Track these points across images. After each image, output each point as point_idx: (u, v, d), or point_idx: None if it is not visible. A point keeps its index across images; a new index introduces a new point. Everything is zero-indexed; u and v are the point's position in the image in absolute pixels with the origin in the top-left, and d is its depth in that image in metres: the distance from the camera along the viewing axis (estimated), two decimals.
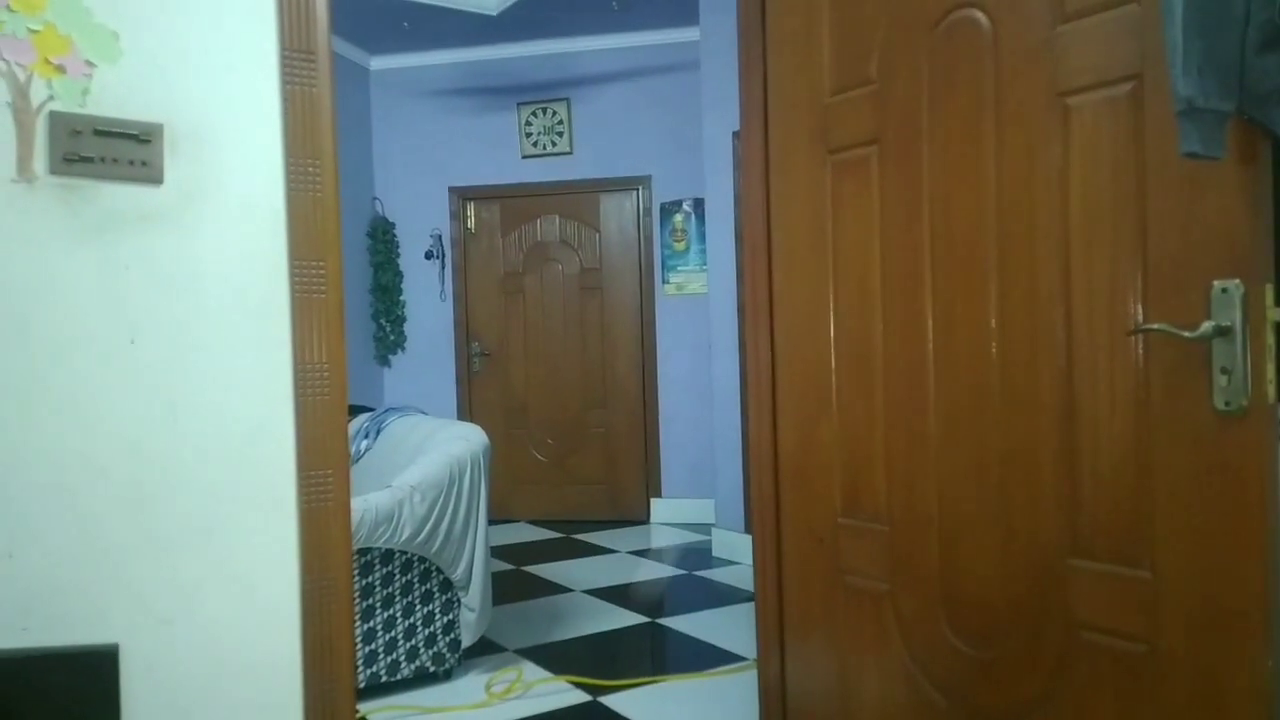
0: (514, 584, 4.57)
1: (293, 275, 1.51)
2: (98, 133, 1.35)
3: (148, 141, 1.38)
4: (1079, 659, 1.58)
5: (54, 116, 1.33)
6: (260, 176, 1.48)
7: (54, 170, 1.33)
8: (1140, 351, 1.49)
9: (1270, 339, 1.34)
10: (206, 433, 1.46)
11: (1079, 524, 1.58)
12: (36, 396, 1.36)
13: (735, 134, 4.69)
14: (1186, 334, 1.37)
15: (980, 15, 1.71)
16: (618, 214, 6.23)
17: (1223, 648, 1.39)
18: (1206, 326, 1.36)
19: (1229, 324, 1.34)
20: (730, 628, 3.75)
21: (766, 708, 2.27)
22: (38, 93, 1.32)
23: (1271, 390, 1.34)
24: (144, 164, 1.38)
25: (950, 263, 1.79)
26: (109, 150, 1.35)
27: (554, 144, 6.23)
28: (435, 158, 6.37)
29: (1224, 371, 1.35)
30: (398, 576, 3.06)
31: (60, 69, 1.33)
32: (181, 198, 1.43)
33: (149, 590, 1.43)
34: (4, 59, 1.30)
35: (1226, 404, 1.36)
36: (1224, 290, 1.35)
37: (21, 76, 1.31)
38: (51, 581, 1.38)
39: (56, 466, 1.37)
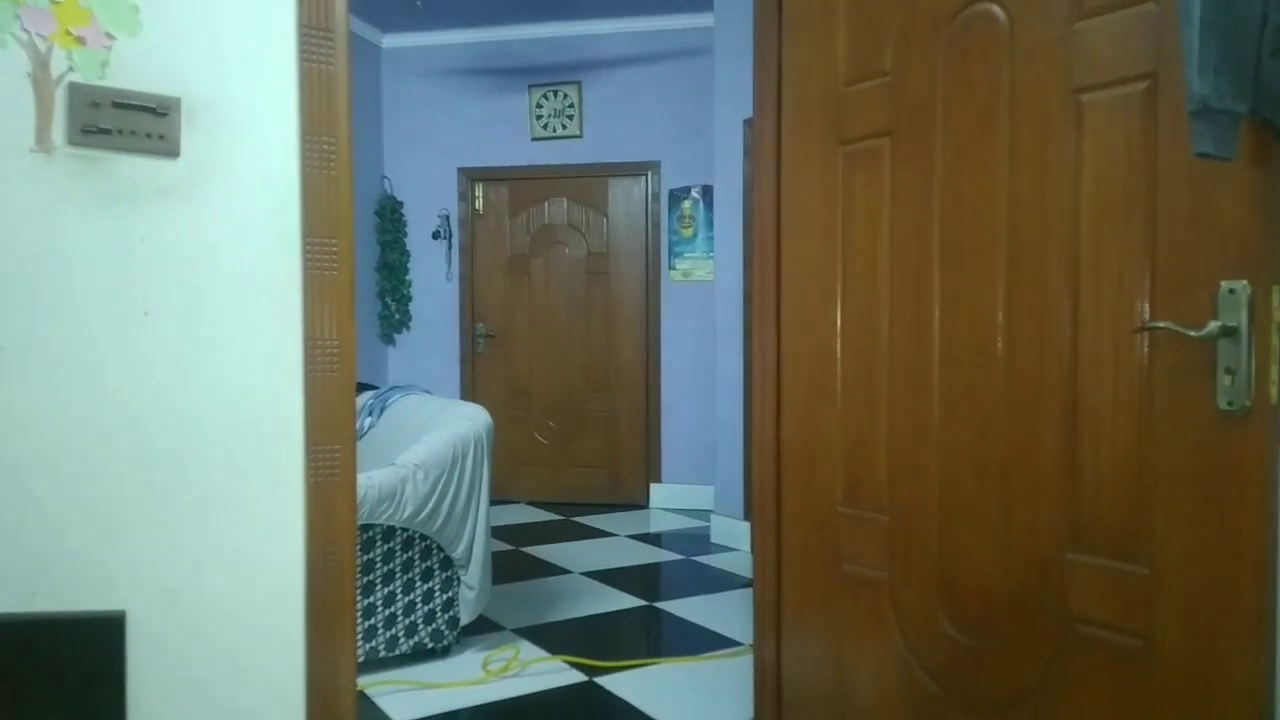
0: (513, 564, 4.59)
1: (305, 252, 1.52)
2: (116, 105, 1.36)
3: (165, 115, 1.39)
4: (1074, 651, 1.60)
5: (73, 88, 1.34)
6: (276, 153, 1.49)
7: (72, 141, 1.34)
8: (1145, 349, 1.50)
9: (1276, 340, 1.35)
10: (217, 405, 1.47)
11: (1079, 518, 1.59)
12: (50, 366, 1.37)
13: (746, 122, 4.69)
14: (1192, 333, 1.38)
15: (997, 9, 1.71)
16: (626, 199, 6.23)
17: (1217, 645, 1.40)
18: (1213, 326, 1.37)
19: (1235, 325, 1.35)
20: (727, 613, 3.77)
21: (761, 691, 2.29)
22: (58, 64, 1.33)
23: (1275, 391, 1.35)
24: (161, 137, 1.39)
25: (959, 256, 1.79)
26: (126, 122, 1.36)
27: (564, 127, 6.22)
28: (445, 138, 6.36)
29: (1228, 372, 1.36)
30: (398, 553, 3.08)
31: (80, 40, 1.34)
32: (198, 171, 1.44)
33: (156, 559, 1.45)
34: (25, 29, 1.31)
35: (1230, 404, 1.37)
36: (1231, 291, 1.36)
37: (42, 47, 1.32)
38: (61, 548, 1.40)
39: (68, 435, 1.39)
